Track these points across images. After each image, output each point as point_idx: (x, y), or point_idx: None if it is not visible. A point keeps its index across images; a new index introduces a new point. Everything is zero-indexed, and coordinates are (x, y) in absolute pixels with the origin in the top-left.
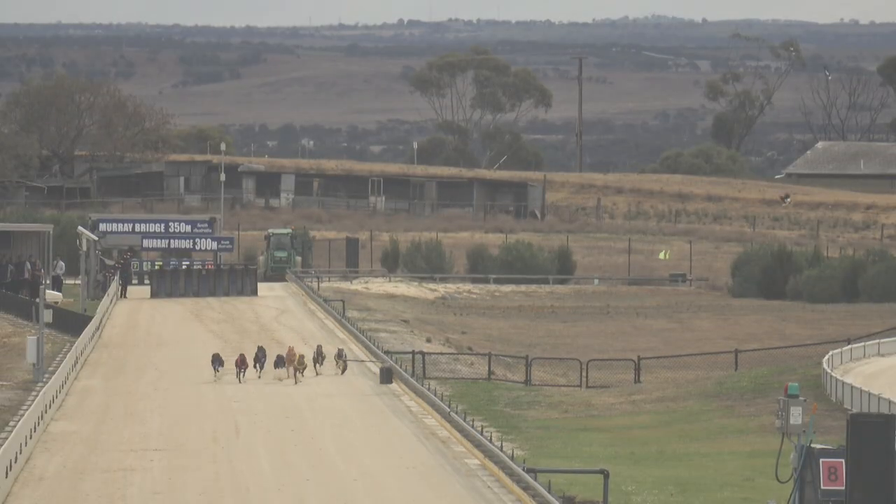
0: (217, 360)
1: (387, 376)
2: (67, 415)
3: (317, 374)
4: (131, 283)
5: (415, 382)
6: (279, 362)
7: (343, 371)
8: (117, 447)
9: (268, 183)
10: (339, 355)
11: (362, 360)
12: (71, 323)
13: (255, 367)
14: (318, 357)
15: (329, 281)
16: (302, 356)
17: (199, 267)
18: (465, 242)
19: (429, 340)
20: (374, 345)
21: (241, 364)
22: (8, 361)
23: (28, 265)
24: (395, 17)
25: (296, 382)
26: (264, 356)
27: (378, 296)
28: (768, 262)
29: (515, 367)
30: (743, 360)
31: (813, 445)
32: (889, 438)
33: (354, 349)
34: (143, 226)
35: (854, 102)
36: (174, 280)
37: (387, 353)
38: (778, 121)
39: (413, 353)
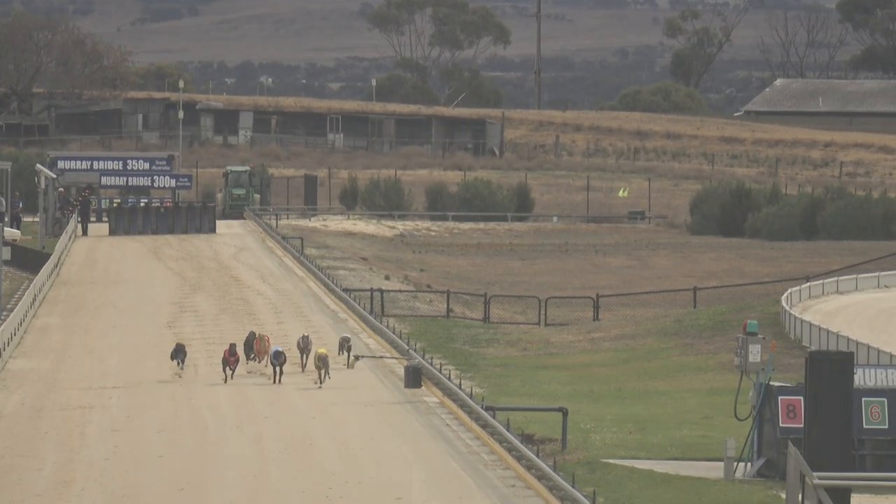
0: (180, 352)
1: (415, 376)
2: (26, 353)
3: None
4: (90, 221)
5: (373, 320)
6: (247, 350)
7: (350, 365)
8: (76, 385)
9: (226, 120)
10: (343, 345)
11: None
12: (29, 260)
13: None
14: (305, 349)
15: (287, 218)
16: (324, 354)
17: (158, 204)
18: (424, 180)
19: (387, 278)
20: (332, 282)
21: (229, 359)
22: None
23: None
24: None
25: (320, 384)
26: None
27: (336, 233)
28: (727, 200)
29: (474, 305)
30: (702, 298)
31: (771, 383)
32: (847, 376)
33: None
34: (101, 163)
35: (812, 40)
36: (132, 218)
37: (346, 290)
38: (737, 58)
39: (371, 290)
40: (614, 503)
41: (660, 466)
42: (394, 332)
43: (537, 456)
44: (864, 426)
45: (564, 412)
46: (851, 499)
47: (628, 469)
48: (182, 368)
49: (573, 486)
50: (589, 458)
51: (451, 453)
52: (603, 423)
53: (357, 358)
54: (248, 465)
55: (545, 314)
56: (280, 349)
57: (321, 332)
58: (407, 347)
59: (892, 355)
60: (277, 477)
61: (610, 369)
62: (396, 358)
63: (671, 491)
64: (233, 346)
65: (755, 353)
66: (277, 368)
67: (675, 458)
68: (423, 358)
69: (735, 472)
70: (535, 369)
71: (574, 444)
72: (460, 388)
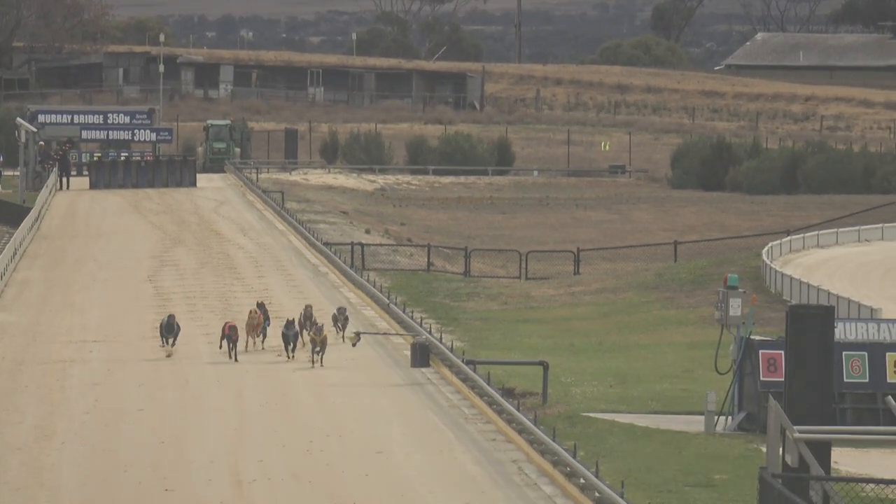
0: (169, 329)
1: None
2: (6, 306)
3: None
4: (71, 175)
5: (354, 274)
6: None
7: (349, 339)
8: (56, 338)
9: (206, 74)
10: (337, 318)
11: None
12: (9, 214)
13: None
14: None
15: (268, 172)
16: (320, 330)
17: (138, 158)
18: (404, 134)
19: (368, 232)
20: (313, 236)
21: (229, 335)
22: None
23: None
24: None
25: (314, 364)
26: (268, 319)
27: (317, 187)
28: (708, 154)
29: (455, 259)
30: (682, 252)
31: (752, 337)
32: (828, 330)
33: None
34: (81, 117)
35: None
36: (113, 171)
37: (326, 244)
38: (717, 12)
39: (352, 244)
40: (595, 457)
41: (640, 420)
42: (374, 286)
43: (518, 410)
44: (845, 380)
45: (545, 366)
46: (832, 452)
47: (609, 423)
48: (173, 346)
49: (554, 440)
50: (570, 411)
51: (431, 407)
52: (583, 376)
53: (358, 335)
54: (228, 419)
55: (526, 268)
56: (292, 320)
57: (303, 288)
58: (387, 301)
59: (872, 309)
60: (257, 431)
61: (590, 323)
62: (402, 335)
63: (652, 444)
64: (232, 326)
65: (736, 307)
66: (291, 344)
67: (656, 412)
68: (404, 311)
69: (715, 425)
70: (515, 323)
71: (555, 398)
72: (440, 341)
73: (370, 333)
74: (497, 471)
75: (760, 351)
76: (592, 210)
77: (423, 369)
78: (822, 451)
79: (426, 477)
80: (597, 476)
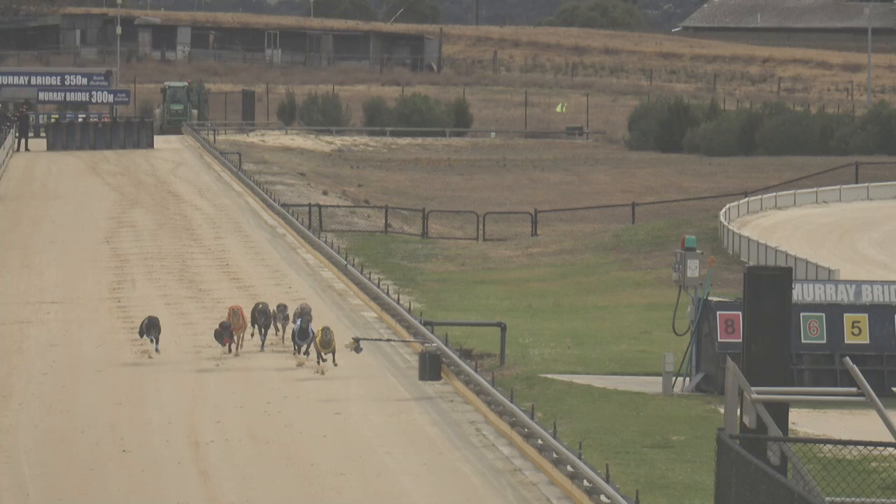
0: (153, 327)
1: (432, 364)
2: None
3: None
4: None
5: (311, 235)
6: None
7: (347, 346)
8: (14, 300)
9: (164, 36)
10: (277, 316)
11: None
12: None
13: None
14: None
15: (225, 134)
16: (326, 333)
17: (96, 120)
18: (362, 95)
19: (325, 193)
20: (270, 197)
21: (225, 333)
22: None
23: None
24: None
25: (322, 371)
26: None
27: (274, 149)
28: (665, 116)
29: (412, 220)
30: (640, 213)
31: (710, 298)
32: (785, 291)
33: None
34: (38, 79)
35: None
36: (70, 133)
37: (283, 205)
38: None
39: (309, 205)
40: (553, 418)
41: (598, 381)
42: (332, 248)
43: (476, 371)
44: (803, 341)
45: (503, 327)
46: (789, 413)
47: (567, 384)
48: (157, 348)
49: (511, 401)
50: (527, 372)
51: (388, 368)
52: (541, 337)
53: (357, 342)
54: (185, 381)
55: (483, 229)
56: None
57: (260, 249)
58: (345, 262)
59: (830, 270)
60: (215, 392)
61: (548, 284)
62: (408, 341)
63: (609, 406)
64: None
65: (693, 269)
66: (303, 347)
67: (614, 373)
68: (362, 273)
69: (673, 386)
70: (473, 284)
71: (512, 359)
72: (398, 302)
73: (370, 340)
74: (455, 432)
75: (718, 312)
76: (550, 172)
77: (381, 329)
78: (779, 412)
79: (383, 438)
80: (555, 437)
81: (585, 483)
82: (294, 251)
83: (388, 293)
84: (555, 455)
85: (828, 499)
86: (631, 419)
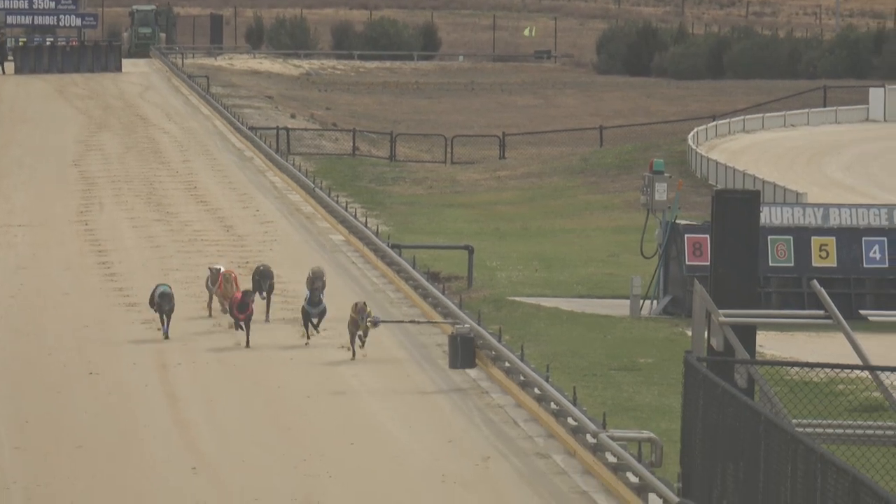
0: (166, 302)
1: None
2: None
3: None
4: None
5: (279, 158)
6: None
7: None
8: None
9: None
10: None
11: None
12: None
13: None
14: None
15: (193, 58)
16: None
17: (64, 43)
18: (330, 19)
19: (293, 116)
20: (238, 120)
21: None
22: None
23: None
24: None
25: (353, 356)
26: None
27: (242, 72)
28: (633, 39)
29: (380, 144)
30: (608, 137)
31: (678, 221)
32: (753, 214)
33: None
34: (6, 2)
35: None
36: (38, 57)
37: (251, 129)
38: None
39: (277, 129)
40: (520, 340)
41: (565, 304)
42: (299, 171)
43: (443, 294)
44: (770, 264)
45: (470, 250)
46: (757, 336)
47: (534, 307)
48: (165, 332)
49: (479, 324)
50: (495, 295)
51: (356, 291)
52: (509, 260)
53: (375, 324)
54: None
55: (451, 152)
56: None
57: (228, 172)
58: (312, 185)
59: (797, 193)
60: (183, 314)
61: (516, 207)
62: (436, 322)
63: (577, 328)
64: (246, 293)
65: (661, 192)
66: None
67: (581, 296)
68: (329, 196)
69: (641, 309)
70: (441, 207)
71: (480, 282)
72: (366, 225)
73: (391, 322)
74: (422, 354)
75: (686, 235)
76: (518, 95)
77: (348, 252)
78: (747, 334)
79: (349, 363)
80: (522, 360)
81: (552, 405)
82: (262, 174)
83: (355, 216)
84: (522, 378)
85: (795, 421)
86: (598, 342)
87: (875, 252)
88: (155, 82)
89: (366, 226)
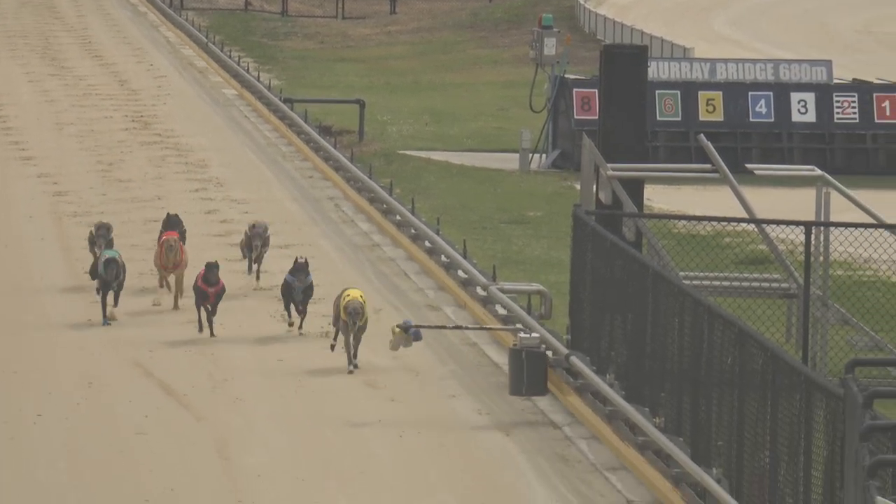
0: (111, 270)
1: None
2: None
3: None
4: None
5: (172, 13)
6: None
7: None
8: None
9: None
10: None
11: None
12: None
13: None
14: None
15: None
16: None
17: None
18: None
19: None
20: None
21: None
22: None
23: None
24: None
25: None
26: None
27: None
28: None
29: None
30: None
31: (566, 76)
32: (641, 69)
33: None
34: None
35: None
36: None
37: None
38: None
39: None
40: (411, 194)
41: (456, 158)
42: (193, 25)
43: (335, 147)
44: (658, 118)
45: (361, 104)
46: (644, 189)
47: (424, 160)
48: (105, 319)
49: (370, 178)
50: (386, 149)
51: (248, 145)
52: (399, 114)
53: (416, 336)
54: (50, 160)
55: (342, 7)
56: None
57: (122, 27)
58: (205, 40)
59: (685, 48)
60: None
61: (406, 62)
62: (491, 328)
63: (467, 182)
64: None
65: (550, 47)
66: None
67: (471, 150)
68: (222, 51)
69: (530, 163)
70: (332, 62)
71: (371, 136)
72: (258, 80)
73: (428, 327)
74: (314, 208)
75: (574, 90)
76: None
77: (241, 107)
78: (635, 188)
79: (241, 214)
80: (413, 213)
81: (443, 258)
82: (155, 29)
83: (248, 71)
84: (413, 231)
85: (682, 273)
86: (488, 195)
87: (761, 106)
88: None
89: (258, 80)
